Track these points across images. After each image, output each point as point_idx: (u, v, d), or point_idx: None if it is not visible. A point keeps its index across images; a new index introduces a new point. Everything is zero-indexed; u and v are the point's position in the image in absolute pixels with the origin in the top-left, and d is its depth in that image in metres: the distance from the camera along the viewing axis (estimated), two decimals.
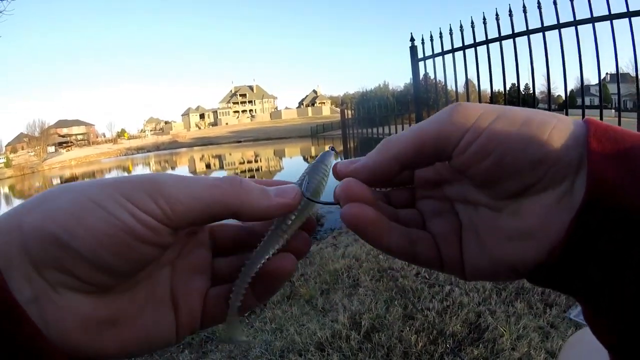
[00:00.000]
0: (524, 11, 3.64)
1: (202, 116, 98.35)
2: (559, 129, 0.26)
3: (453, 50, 4.34)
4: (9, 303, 0.23)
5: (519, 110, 0.28)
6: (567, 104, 4.26)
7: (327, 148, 0.40)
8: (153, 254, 0.28)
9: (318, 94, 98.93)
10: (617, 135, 0.25)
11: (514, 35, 3.83)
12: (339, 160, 0.36)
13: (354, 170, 0.32)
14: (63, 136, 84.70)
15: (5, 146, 75.15)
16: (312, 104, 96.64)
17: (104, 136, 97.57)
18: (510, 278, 0.31)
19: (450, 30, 4.30)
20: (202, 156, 41.16)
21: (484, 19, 3.96)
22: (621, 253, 0.24)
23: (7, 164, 53.10)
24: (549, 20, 3.57)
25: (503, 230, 0.30)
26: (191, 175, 0.30)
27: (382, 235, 0.31)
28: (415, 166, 0.35)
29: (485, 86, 4.47)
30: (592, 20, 3.36)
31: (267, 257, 0.32)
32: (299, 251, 0.35)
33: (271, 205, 0.31)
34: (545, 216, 0.27)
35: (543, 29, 3.63)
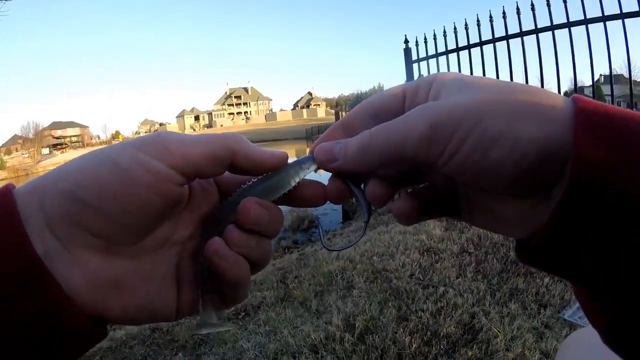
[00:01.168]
0: (518, 13, 3.65)
1: (197, 118, 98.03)
2: (537, 143, 0.25)
3: (447, 52, 4.35)
4: (32, 260, 0.24)
5: (497, 116, 0.26)
6: None
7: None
8: (161, 205, 0.29)
9: (313, 96, 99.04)
10: (607, 125, 0.24)
11: (507, 37, 3.85)
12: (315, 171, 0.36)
13: (334, 169, 0.34)
14: (57, 138, 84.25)
15: (0, 148, 74.71)
16: (307, 105, 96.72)
17: (99, 138, 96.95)
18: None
19: (444, 32, 4.31)
20: None
21: (478, 21, 3.98)
22: (616, 237, 0.23)
23: (1, 166, 52.72)
24: (543, 22, 3.59)
25: (485, 208, 0.32)
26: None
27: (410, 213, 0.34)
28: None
29: None
30: (586, 21, 3.38)
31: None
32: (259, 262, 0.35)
33: (264, 152, 0.33)
34: (523, 214, 0.28)
35: (536, 31, 3.64)
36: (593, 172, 0.23)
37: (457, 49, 4.25)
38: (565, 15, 3.44)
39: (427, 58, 4.58)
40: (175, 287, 0.33)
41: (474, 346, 1.83)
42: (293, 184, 0.34)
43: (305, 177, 0.35)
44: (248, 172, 0.34)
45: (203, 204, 0.35)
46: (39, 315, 0.24)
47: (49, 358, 0.26)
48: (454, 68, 4.32)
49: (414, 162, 0.29)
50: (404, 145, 0.29)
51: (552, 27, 3.55)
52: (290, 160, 0.35)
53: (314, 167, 0.35)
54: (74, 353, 0.28)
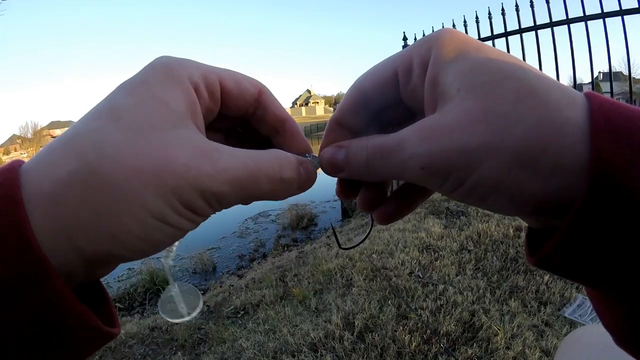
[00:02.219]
0: (517, 10, 3.64)
1: None
2: (542, 189, 0.23)
3: None
4: (39, 258, 0.22)
5: (496, 167, 0.24)
6: None
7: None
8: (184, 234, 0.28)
9: (312, 94, 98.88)
10: (621, 110, 0.23)
11: (506, 34, 3.84)
12: None
13: (341, 178, 0.34)
14: (56, 137, 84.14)
15: None
16: (306, 103, 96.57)
17: None
18: None
19: None
20: None
21: (477, 17, 3.96)
22: (636, 239, 0.21)
23: None
24: (542, 19, 3.58)
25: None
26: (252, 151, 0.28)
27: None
28: None
29: None
30: (585, 18, 3.37)
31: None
32: None
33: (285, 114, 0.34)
34: (536, 221, 0.27)
35: (536, 28, 3.63)
36: (613, 173, 0.21)
37: None
38: (564, 12, 3.44)
39: None
40: None
41: (474, 344, 1.83)
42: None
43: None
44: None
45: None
46: (45, 312, 0.22)
47: (55, 353, 0.24)
48: None
49: None
50: (400, 176, 0.28)
51: (551, 24, 3.54)
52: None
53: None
54: (82, 350, 0.26)
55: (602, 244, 0.22)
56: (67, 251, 0.23)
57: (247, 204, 0.29)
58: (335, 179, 0.35)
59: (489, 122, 0.24)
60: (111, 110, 0.25)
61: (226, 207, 0.28)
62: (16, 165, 0.24)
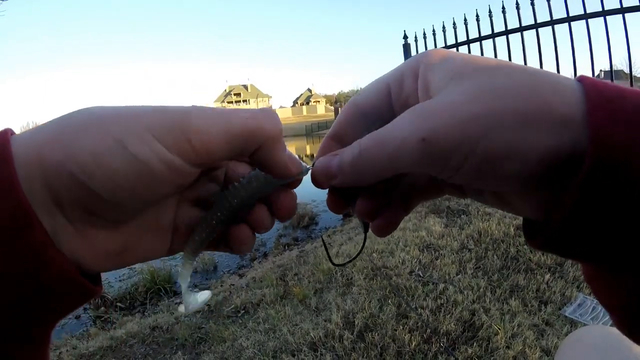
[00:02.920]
0: (517, 8, 3.64)
1: None
2: (548, 152, 0.23)
3: (446, 48, 4.33)
4: (23, 207, 0.23)
5: (503, 132, 0.24)
6: None
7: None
8: (171, 192, 0.28)
9: (312, 93, 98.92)
10: (619, 89, 0.23)
11: (506, 32, 3.83)
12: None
13: (333, 186, 0.32)
14: None
15: None
16: (307, 102, 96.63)
17: None
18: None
19: (444, 27, 4.30)
20: None
21: (477, 16, 3.96)
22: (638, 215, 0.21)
23: None
24: (542, 17, 3.57)
25: (494, 198, 0.30)
26: (222, 108, 0.28)
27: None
28: None
29: None
30: (586, 16, 3.36)
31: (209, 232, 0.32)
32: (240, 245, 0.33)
33: (293, 163, 0.31)
34: (535, 205, 0.26)
35: (536, 26, 3.63)
36: (613, 149, 0.21)
37: (457, 45, 4.23)
38: (565, 10, 3.43)
39: None
40: (171, 233, 0.33)
41: (474, 343, 1.83)
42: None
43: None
44: (261, 168, 0.32)
45: None
46: (27, 265, 0.23)
47: (35, 309, 0.25)
48: None
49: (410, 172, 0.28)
50: (398, 161, 0.26)
51: (552, 22, 3.53)
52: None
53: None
54: (64, 305, 0.27)
55: (612, 207, 0.22)
56: (34, 169, 0.23)
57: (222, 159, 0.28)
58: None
59: (488, 93, 0.24)
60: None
61: (205, 156, 0.26)
62: (7, 129, 0.25)
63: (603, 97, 0.22)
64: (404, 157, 0.26)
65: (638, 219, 0.22)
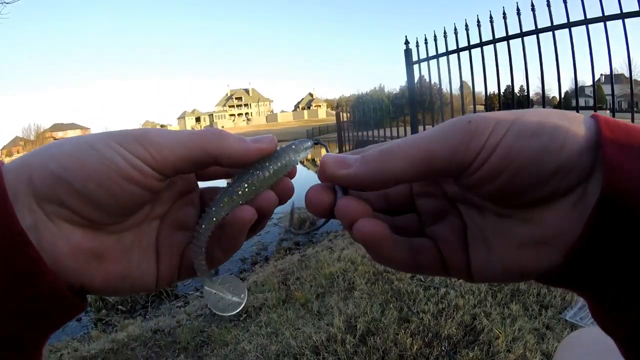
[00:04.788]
0: (518, 14, 3.65)
1: (197, 119, 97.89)
2: (572, 134, 0.25)
3: (447, 53, 4.35)
4: (16, 230, 0.26)
5: (530, 116, 0.26)
6: (562, 105, 4.27)
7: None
8: (141, 196, 0.31)
9: (314, 97, 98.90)
10: (628, 127, 0.25)
11: (507, 38, 3.84)
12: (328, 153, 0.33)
13: (345, 177, 0.30)
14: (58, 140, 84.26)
15: (1, 149, 74.82)
16: (308, 106, 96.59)
17: None
18: (521, 280, 0.31)
19: (445, 33, 4.31)
20: None
21: (478, 21, 3.97)
22: None
23: None
24: (543, 22, 3.59)
25: (514, 237, 0.28)
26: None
27: (390, 251, 0.30)
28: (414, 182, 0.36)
29: (480, 88, 4.48)
30: (586, 22, 3.37)
31: (223, 207, 0.33)
32: (262, 209, 0.34)
33: (248, 148, 0.33)
34: (559, 224, 0.26)
35: (537, 31, 3.64)
36: (626, 181, 0.23)
37: (458, 50, 4.24)
38: (565, 15, 3.44)
39: (428, 59, 4.58)
40: (155, 258, 0.35)
41: (475, 347, 1.84)
42: (289, 168, 0.35)
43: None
44: (235, 167, 0.34)
45: (179, 181, 0.37)
46: (16, 280, 0.26)
47: (24, 325, 0.28)
48: (454, 69, 4.32)
49: (442, 174, 0.28)
50: (442, 142, 0.27)
51: (553, 28, 3.54)
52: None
53: (309, 151, 0.36)
54: (51, 321, 0.29)
55: (624, 238, 0.23)
56: (22, 173, 0.28)
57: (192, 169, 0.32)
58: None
59: (499, 116, 0.27)
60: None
61: (165, 167, 0.30)
62: None
63: (614, 132, 0.25)
64: (450, 137, 0.27)
65: None
